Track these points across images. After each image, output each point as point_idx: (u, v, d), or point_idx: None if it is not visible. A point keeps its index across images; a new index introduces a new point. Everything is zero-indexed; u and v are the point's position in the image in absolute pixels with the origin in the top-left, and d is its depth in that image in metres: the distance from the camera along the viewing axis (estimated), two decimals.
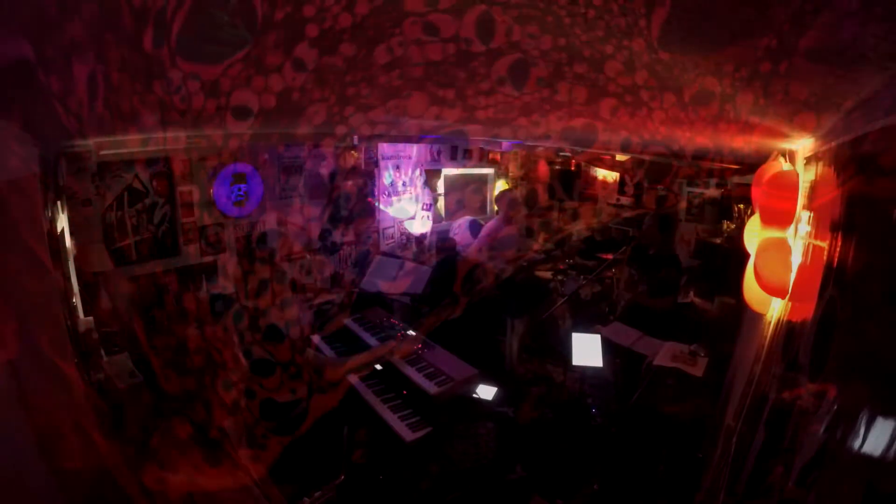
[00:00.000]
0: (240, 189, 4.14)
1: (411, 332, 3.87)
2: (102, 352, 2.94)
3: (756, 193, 2.09)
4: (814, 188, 1.73)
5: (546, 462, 3.18)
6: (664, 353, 3.41)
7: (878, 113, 1.04)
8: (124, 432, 2.36)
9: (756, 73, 1.05)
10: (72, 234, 2.89)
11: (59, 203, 2.65)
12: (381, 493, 2.95)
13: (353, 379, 3.47)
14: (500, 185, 6.83)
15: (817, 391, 1.23)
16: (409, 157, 5.64)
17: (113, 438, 2.23)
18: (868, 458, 0.85)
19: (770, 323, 2.01)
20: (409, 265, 4.62)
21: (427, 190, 5.86)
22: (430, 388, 3.24)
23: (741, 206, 4.78)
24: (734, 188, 4.91)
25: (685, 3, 0.73)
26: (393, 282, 4.51)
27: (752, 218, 2.13)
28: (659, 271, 4.02)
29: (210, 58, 1.20)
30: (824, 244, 1.44)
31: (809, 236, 1.70)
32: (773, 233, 1.80)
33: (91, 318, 2.92)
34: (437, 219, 6.04)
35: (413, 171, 5.70)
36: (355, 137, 4.60)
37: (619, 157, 4.77)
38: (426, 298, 4.16)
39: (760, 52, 0.90)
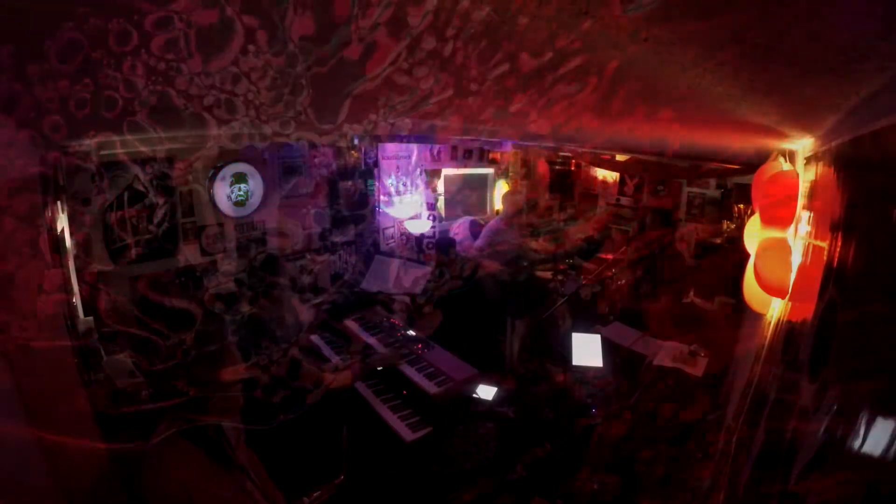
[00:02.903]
0: (240, 189, 4.14)
1: (411, 332, 3.88)
2: (102, 352, 2.94)
3: (756, 193, 2.09)
4: (814, 188, 1.73)
5: (546, 462, 3.18)
6: (664, 353, 3.41)
7: (878, 113, 1.04)
8: (124, 432, 2.36)
9: (757, 73, 1.05)
10: (72, 234, 2.89)
11: (59, 203, 2.65)
12: (380, 493, 2.95)
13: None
14: (501, 185, 6.83)
15: (817, 391, 1.23)
16: (409, 157, 5.64)
17: (112, 438, 2.23)
18: (868, 458, 0.85)
19: (770, 323, 2.01)
20: (409, 265, 4.62)
21: (427, 190, 5.86)
22: (430, 388, 3.24)
23: (741, 206, 4.77)
24: (734, 188, 4.91)
25: (682, 2, 0.73)
26: (393, 282, 4.51)
27: (752, 218, 2.13)
28: (665, 271, 4.04)
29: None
30: (824, 244, 1.43)
31: (809, 236, 1.70)
32: (773, 233, 1.80)
33: (91, 318, 2.92)
34: (437, 219, 6.04)
35: (413, 171, 5.70)
36: (355, 137, 4.61)
37: (619, 157, 4.77)
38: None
39: (760, 52, 0.90)
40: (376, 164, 5.30)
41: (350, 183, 5.02)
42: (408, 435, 3.06)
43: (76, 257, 2.95)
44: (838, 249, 1.29)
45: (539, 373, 4.44)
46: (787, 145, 1.94)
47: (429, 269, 4.48)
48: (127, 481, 2.15)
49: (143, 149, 3.39)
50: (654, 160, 4.31)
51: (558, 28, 0.87)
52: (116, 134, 2.93)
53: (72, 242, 2.88)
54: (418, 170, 5.75)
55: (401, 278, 4.50)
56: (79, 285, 2.88)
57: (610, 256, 4.92)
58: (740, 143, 2.30)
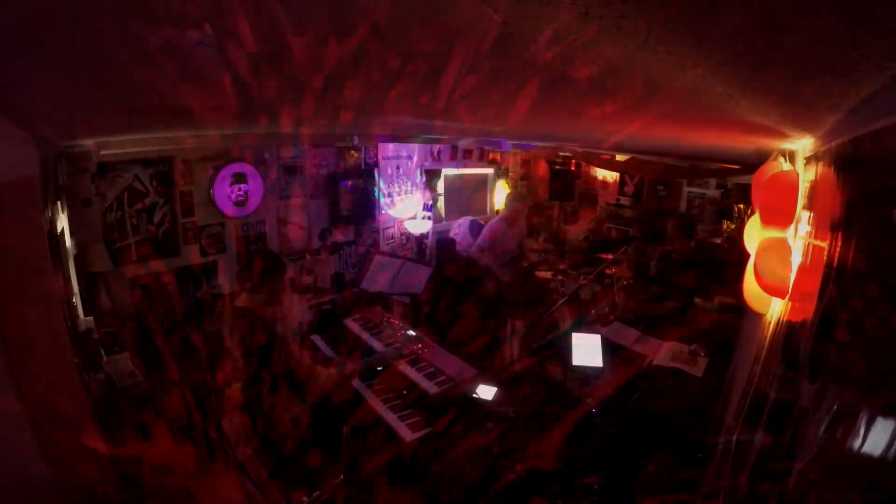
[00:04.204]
0: (240, 189, 4.14)
1: (411, 332, 3.88)
2: (102, 352, 2.95)
3: (756, 193, 2.09)
4: (814, 188, 1.73)
5: (546, 462, 3.18)
6: (664, 353, 3.41)
7: (878, 113, 1.04)
8: (124, 432, 2.36)
9: (757, 73, 1.05)
10: (72, 234, 2.89)
11: (59, 203, 2.65)
12: (380, 493, 2.95)
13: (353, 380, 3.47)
14: (501, 185, 6.84)
15: (817, 391, 1.23)
16: (409, 157, 5.64)
17: (113, 438, 2.23)
18: (868, 458, 0.85)
19: (770, 323, 2.01)
20: (408, 265, 4.62)
21: (427, 190, 5.86)
22: (430, 388, 3.24)
23: (741, 206, 4.78)
24: (734, 188, 4.91)
25: (683, 3, 0.73)
26: (393, 282, 4.51)
27: (752, 218, 2.13)
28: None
29: None
30: (824, 244, 1.43)
31: (809, 236, 1.70)
32: (773, 233, 1.80)
33: (91, 318, 2.93)
34: (437, 219, 6.04)
35: (413, 171, 5.70)
36: (355, 137, 4.61)
37: (619, 157, 4.78)
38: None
39: (760, 52, 0.90)
40: (376, 164, 5.30)
41: (350, 183, 5.02)
42: (408, 435, 3.06)
43: (76, 258, 2.95)
44: (838, 249, 1.29)
45: (539, 373, 4.44)
46: (787, 145, 1.94)
47: (429, 269, 4.48)
48: (127, 481, 2.16)
49: (143, 149, 3.41)
50: (654, 160, 4.32)
51: (559, 29, 0.87)
52: (117, 134, 2.94)
53: (72, 242, 2.89)
54: (418, 170, 5.76)
55: (401, 278, 4.50)
56: (79, 285, 2.89)
57: (610, 256, 4.92)
58: (740, 143, 2.30)
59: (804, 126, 1.59)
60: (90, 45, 1.00)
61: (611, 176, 6.26)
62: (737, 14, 0.74)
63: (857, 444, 0.90)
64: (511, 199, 5.65)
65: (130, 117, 2.05)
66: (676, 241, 4.48)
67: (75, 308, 2.75)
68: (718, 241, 5.05)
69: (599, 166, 5.89)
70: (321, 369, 3.05)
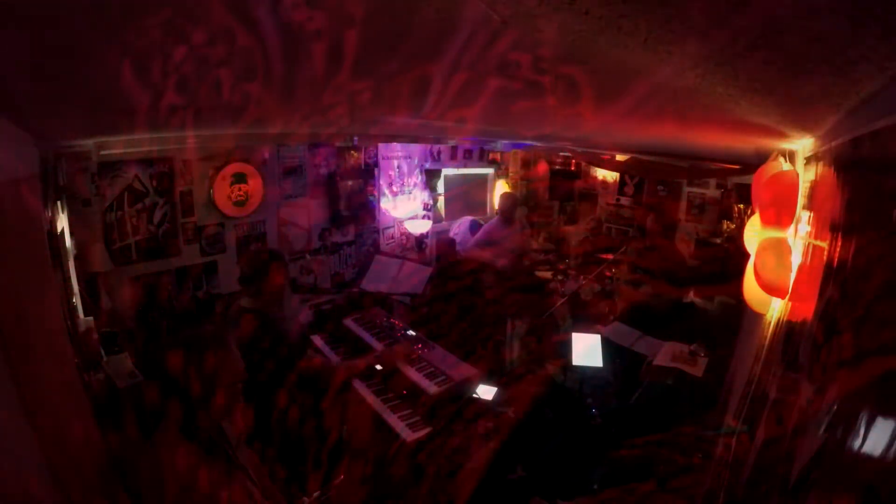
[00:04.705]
0: (240, 189, 4.15)
1: (411, 332, 3.88)
2: (102, 352, 2.95)
3: (756, 193, 2.09)
4: (814, 188, 1.73)
5: (546, 462, 3.18)
6: (664, 353, 3.41)
7: (878, 113, 1.04)
8: (124, 433, 2.36)
9: (757, 73, 1.05)
10: (72, 234, 2.89)
11: (59, 203, 2.65)
12: (380, 493, 2.95)
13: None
14: (501, 185, 6.84)
15: (817, 391, 1.23)
16: (409, 157, 5.65)
17: (112, 439, 2.23)
18: (868, 459, 0.85)
19: (770, 323, 2.01)
20: (409, 265, 4.62)
21: (427, 190, 5.86)
22: (430, 388, 3.24)
23: (741, 206, 4.78)
24: (734, 188, 4.92)
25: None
26: (393, 282, 4.51)
27: (752, 218, 2.12)
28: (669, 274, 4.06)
29: None
30: (824, 244, 1.43)
31: (809, 236, 1.70)
32: (773, 233, 1.80)
33: (91, 318, 2.93)
34: (437, 219, 6.04)
35: (413, 171, 5.70)
36: (355, 137, 4.61)
37: (619, 157, 4.78)
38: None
39: (760, 52, 0.90)
40: (376, 164, 5.30)
41: (350, 183, 5.02)
42: (408, 435, 3.06)
43: (76, 258, 2.95)
44: (838, 249, 1.29)
45: (539, 373, 4.44)
46: (787, 145, 1.94)
47: (429, 269, 4.48)
48: (126, 482, 2.16)
49: (143, 149, 3.41)
50: (654, 160, 4.32)
51: (558, 29, 0.87)
52: (117, 134, 2.94)
53: (72, 242, 2.89)
54: (418, 170, 5.76)
55: (401, 278, 4.50)
56: (79, 285, 2.89)
57: (610, 256, 4.92)
58: (740, 143, 2.30)
59: (804, 126, 1.59)
60: (90, 45, 1.00)
61: (611, 176, 6.25)
62: (737, 14, 0.74)
63: (857, 444, 0.90)
64: (503, 196, 5.67)
65: (129, 117, 2.05)
66: (656, 234, 4.51)
67: (75, 308, 2.75)
68: (718, 241, 5.05)
69: (599, 166, 5.88)
70: (321, 370, 3.05)
